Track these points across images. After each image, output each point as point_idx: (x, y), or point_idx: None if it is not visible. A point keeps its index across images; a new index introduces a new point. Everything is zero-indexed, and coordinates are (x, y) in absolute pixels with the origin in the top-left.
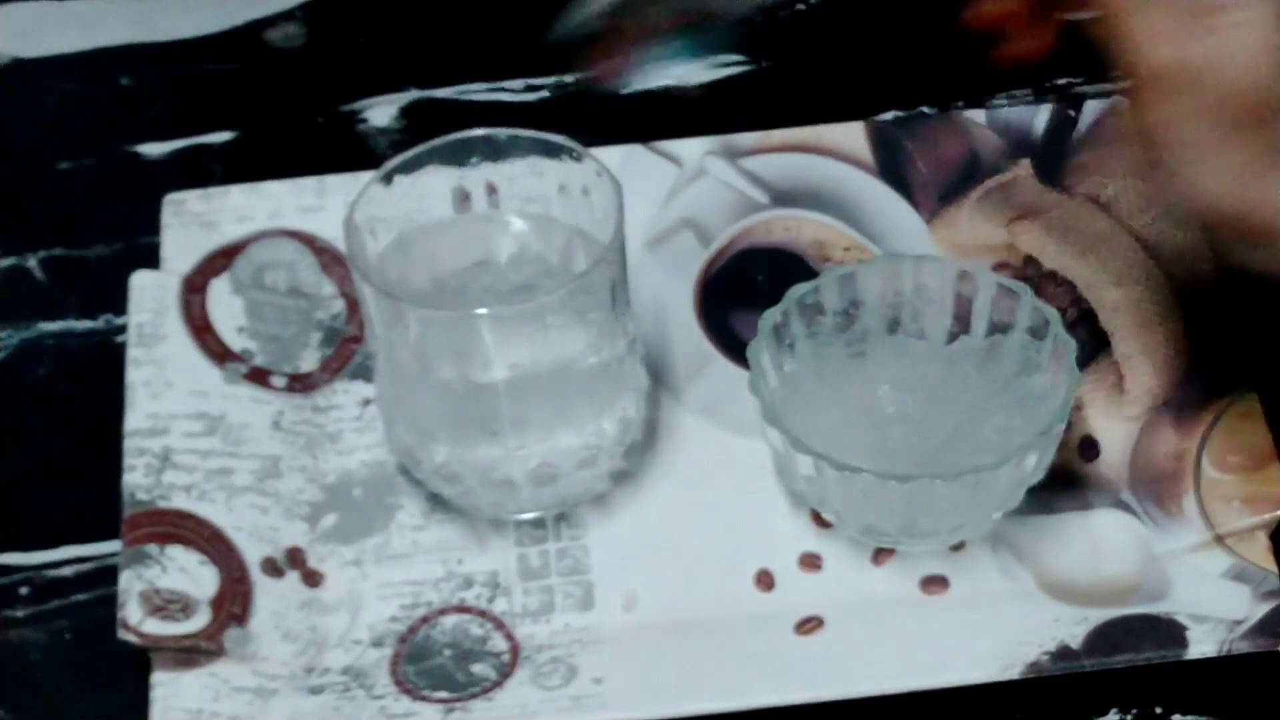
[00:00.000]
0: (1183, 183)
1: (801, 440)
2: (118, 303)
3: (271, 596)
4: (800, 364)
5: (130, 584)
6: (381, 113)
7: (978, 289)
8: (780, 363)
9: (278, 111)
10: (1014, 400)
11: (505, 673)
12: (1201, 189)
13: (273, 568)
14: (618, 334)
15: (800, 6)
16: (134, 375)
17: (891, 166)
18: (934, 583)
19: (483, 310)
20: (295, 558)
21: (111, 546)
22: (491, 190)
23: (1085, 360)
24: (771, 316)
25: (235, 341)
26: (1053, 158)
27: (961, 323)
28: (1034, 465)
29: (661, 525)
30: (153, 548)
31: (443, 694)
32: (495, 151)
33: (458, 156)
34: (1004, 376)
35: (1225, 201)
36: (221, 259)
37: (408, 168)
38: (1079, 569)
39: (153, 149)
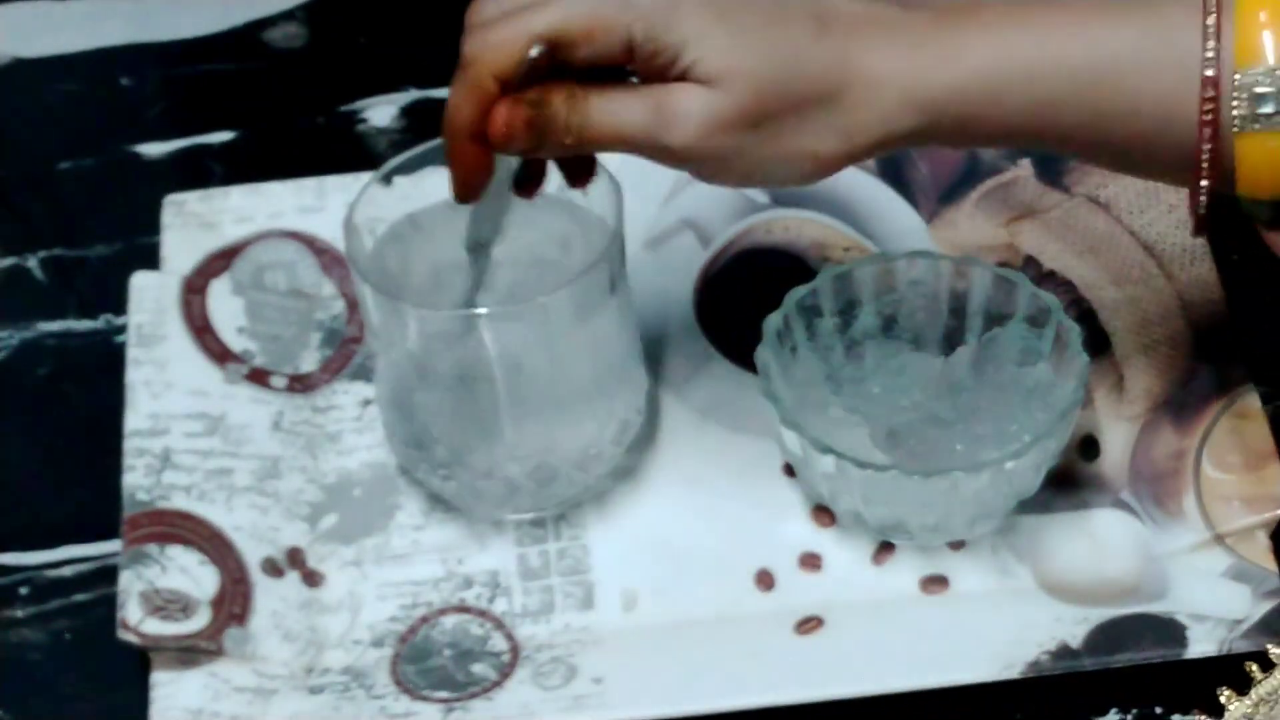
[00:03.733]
0: None
1: (821, 441)
2: (118, 303)
3: (271, 596)
4: (804, 367)
5: (130, 584)
6: (381, 113)
7: (973, 281)
8: (785, 366)
9: (278, 111)
10: (1019, 391)
11: (505, 672)
12: None
13: (273, 568)
14: (618, 333)
15: None
16: (134, 375)
17: (891, 166)
18: (934, 582)
19: (483, 310)
20: (295, 558)
21: (111, 546)
22: None
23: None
24: (774, 321)
25: (235, 342)
26: (1053, 158)
27: (958, 316)
28: (1053, 451)
29: (661, 525)
30: (153, 548)
31: (443, 694)
32: None
33: None
34: (1005, 368)
35: None
36: (221, 260)
37: (408, 168)
38: (1079, 569)
39: (153, 149)
